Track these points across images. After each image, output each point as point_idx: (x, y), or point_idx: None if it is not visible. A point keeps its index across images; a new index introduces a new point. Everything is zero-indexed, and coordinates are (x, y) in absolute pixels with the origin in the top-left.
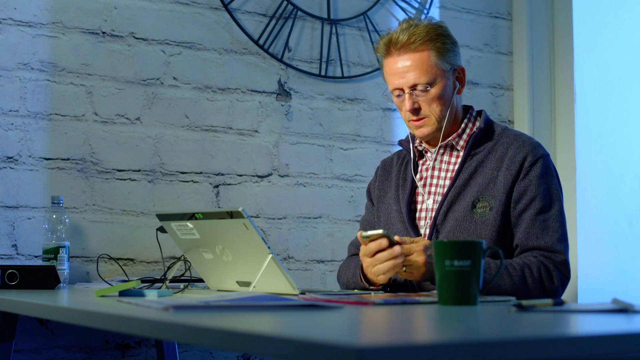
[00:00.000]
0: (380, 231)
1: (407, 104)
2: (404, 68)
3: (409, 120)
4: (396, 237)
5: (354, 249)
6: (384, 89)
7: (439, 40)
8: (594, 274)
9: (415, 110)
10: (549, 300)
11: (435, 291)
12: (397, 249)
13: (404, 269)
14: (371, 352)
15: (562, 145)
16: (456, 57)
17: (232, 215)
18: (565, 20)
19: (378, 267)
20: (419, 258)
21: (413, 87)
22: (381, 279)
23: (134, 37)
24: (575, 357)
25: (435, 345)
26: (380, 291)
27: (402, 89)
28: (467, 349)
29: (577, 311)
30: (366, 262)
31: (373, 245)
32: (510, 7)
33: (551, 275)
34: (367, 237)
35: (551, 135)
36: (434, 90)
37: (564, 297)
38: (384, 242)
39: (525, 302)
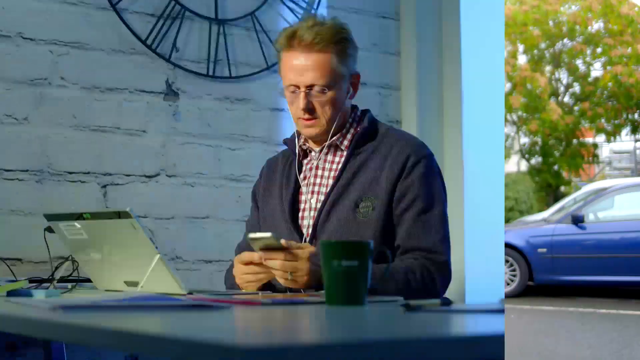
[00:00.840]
0: (268, 234)
1: (302, 103)
2: (304, 66)
3: (299, 118)
4: (283, 242)
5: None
6: (272, 89)
7: (342, 44)
8: (481, 274)
9: (309, 110)
10: (436, 301)
11: (322, 291)
12: (276, 262)
13: (290, 276)
14: (256, 353)
15: (450, 145)
16: (355, 63)
17: (119, 215)
18: (452, 21)
19: (245, 276)
20: (303, 266)
21: (310, 87)
22: (247, 286)
23: (21, 37)
24: (463, 358)
25: (322, 346)
26: (268, 291)
27: (298, 86)
28: (354, 348)
29: (463, 311)
30: (238, 267)
31: (246, 256)
32: (398, 7)
33: (433, 278)
34: (254, 239)
35: (439, 135)
36: (330, 93)
37: (451, 297)
38: (255, 256)
39: (413, 302)
